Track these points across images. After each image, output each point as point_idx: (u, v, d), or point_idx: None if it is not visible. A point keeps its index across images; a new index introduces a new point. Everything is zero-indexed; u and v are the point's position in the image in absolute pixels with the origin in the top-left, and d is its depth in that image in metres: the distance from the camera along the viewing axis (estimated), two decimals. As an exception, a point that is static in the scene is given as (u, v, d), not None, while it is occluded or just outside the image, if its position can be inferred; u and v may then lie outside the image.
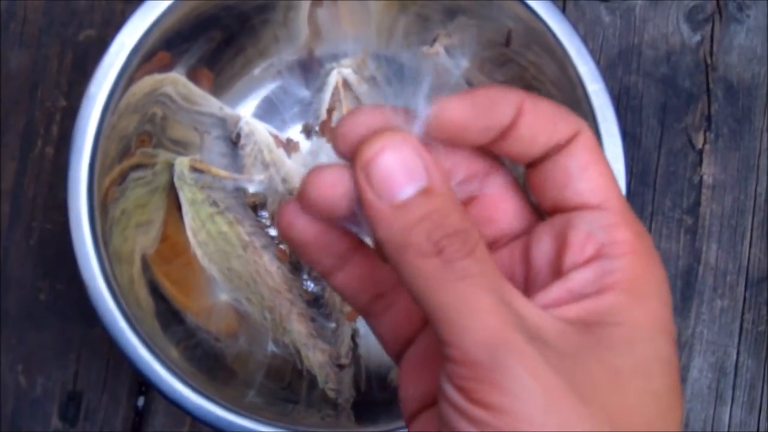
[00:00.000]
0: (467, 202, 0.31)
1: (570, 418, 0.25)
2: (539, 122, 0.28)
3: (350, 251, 0.30)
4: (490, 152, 0.30)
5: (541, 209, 0.30)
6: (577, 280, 0.28)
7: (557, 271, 0.29)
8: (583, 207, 0.29)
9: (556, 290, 0.28)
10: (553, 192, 0.29)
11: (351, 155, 0.28)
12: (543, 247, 0.29)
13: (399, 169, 0.26)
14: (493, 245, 0.31)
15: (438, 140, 0.28)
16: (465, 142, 0.29)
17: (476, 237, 0.26)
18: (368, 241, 0.30)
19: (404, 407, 0.31)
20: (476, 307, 0.26)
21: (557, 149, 0.29)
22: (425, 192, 0.26)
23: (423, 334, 0.31)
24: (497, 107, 0.28)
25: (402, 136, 0.27)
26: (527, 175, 0.30)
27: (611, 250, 0.28)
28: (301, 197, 0.29)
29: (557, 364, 0.26)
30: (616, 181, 0.29)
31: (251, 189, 0.57)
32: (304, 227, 0.29)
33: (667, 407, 0.27)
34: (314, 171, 0.28)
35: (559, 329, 0.27)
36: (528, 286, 0.30)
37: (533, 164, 0.29)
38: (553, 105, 0.29)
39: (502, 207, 0.31)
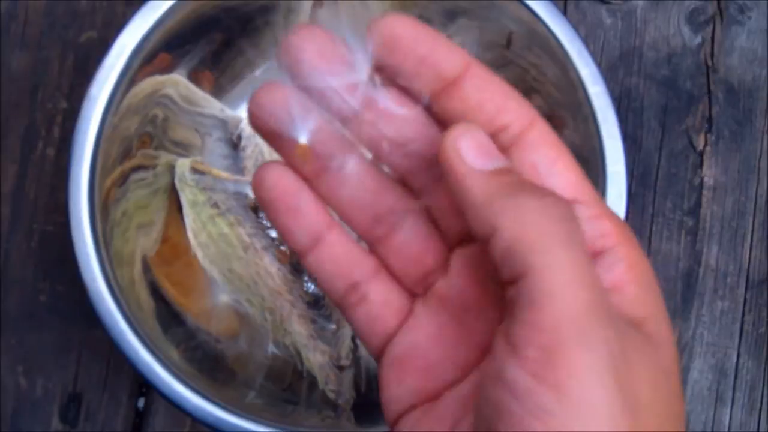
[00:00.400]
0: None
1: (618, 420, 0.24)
2: (488, 89, 0.28)
3: (324, 228, 0.30)
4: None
5: None
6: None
7: None
8: None
9: None
10: None
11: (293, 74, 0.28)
12: None
13: (486, 145, 0.27)
14: (463, 241, 0.30)
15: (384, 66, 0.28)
16: (407, 78, 0.28)
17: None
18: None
19: (388, 408, 0.30)
20: (586, 278, 0.25)
21: (513, 140, 0.28)
22: (507, 170, 0.26)
23: (405, 332, 0.30)
24: (442, 47, 0.28)
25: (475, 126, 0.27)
26: None
27: (603, 244, 0.27)
28: (250, 105, 0.29)
29: (625, 354, 0.25)
30: (583, 173, 0.29)
31: (251, 193, 0.57)
32: (274, 183, 0.29)
33: (680, 408, 0.27)
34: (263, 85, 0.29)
35: (622, 320, 0.26)
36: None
37: None
38: (506, 83, 0.28)
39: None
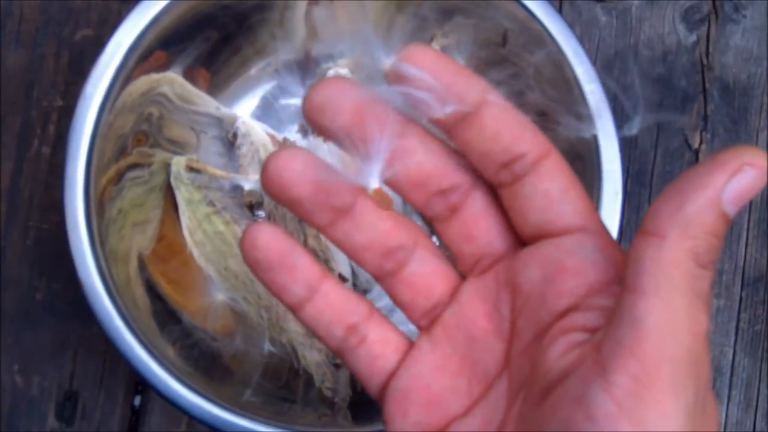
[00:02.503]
0: (448, 215, 0.30)
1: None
2: (506, 119, 0.28)
3: (317, 281, 0.30)
4: (472, 167, 0.30)
5: (520, 235, 0.30)
6: (604, 310, 0.28)
7: (556, 296, 0.28)
8: (567, 231, 0.28)
9: (585, 319, 0.28)
10: (535, 215, 0.29)
11: (318, 125, 0.28)
12: (530, 273, 0.29)
13: (751, 191, 0.26)
14: (476, 266, 0.30)
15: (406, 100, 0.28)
16: (425, 106, 0.28)
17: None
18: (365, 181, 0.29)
19: None
20: (696, 328, 0.25)
21: (528, 168, 0.28)
22: (730, 219, 0.26)
23: (407, 366, 0.30)
24: (463, 77, 0.28)
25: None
26: (504, 200, 0.30)
27: (616, 273, 0.28)
28: (263, 174, 0.29)
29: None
30: (591, 201, 0.29)
31: (247, 186, 0.57)
32: (266, 244, 0.29)
33: None
34: (274, 153, 0.29)
35: None
36: (516, 315, 0.29)
37: (507, 184, 0.29)
38: (522, 115, 0.29)
39: (483, 225, 0.30)
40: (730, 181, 0.25)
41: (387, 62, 0.28)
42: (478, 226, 0.30)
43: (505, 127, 0.28)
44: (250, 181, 0.57)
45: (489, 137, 0.28)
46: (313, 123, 0.29)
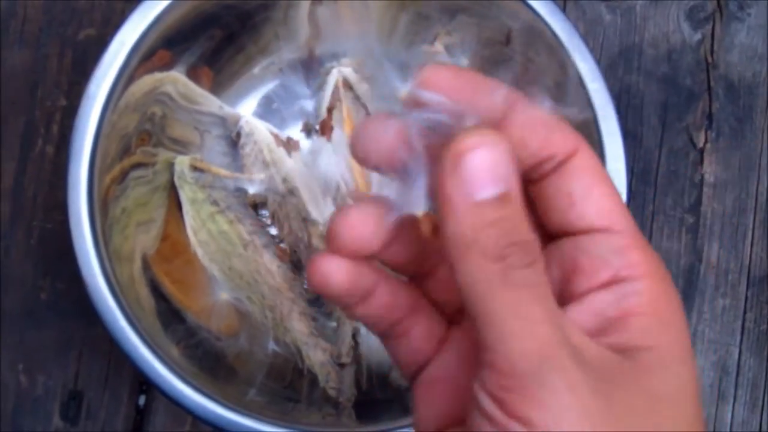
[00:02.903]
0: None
1: None
2: (532, 125, 0.28)
3: (374, 286, 0.30)
4: None
5: (545, 232, 0.30)
6: (597, 303, 0.28)
7: (568, 295, 0.29)
8: (590, 230, 0.28)
9: (578, 313, 0.28)
10: (558, 215, 0.29)
11: (367, 163, 0.28)
12: (551, 270, 0.29)
13: (487, 169, 0.26)
14: None
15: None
16: (446, 127, 0.28)
17: (538, 250, 0.26)
18: (416, 208, 0.29)
19: (417, 428, 0.31)
20: (529, 317, 0.25)
21: (555, 167, 0.28)
22: (503, 197, 0.26)
23: (439, 356, 0.31)
24: (486, 91, 0.28)
25: (501, 136, 0.26)
26: (530, 195, 0.30)
27: (627, 274, 0.28)
28: (332, 242, 0.29)
29: (597, 385, 0.26)
30: (622, 201, 0.29)
31: (251, 190, 0.57)
32: (338, 282, 0.29)
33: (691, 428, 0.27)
34: (339, 213, 0.29)
35: (597, 351, 0.27)
36: None
37: (534, 181, 0.29)
38: (551, 115, 0.28)
39: None
40: (456, 176, 0.26)
41: (403, 89, 0.28)
42: None
43: (532, 134, 0.28)
44: (254, 184, 0.57)
45: (516, 144, 0.28)
46: (363, 164, 0.29)
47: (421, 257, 0.31)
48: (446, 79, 0.28)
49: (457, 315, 0.32)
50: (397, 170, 0.28)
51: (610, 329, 0.28)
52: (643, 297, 0.28)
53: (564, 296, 0.29)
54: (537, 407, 0.25)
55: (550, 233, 0.29)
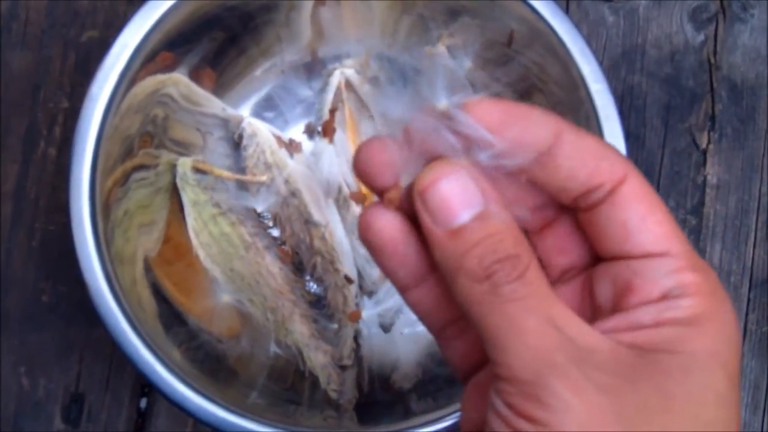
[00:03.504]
0: (543, 228, 0.31)
1: None
2: (580, 155, 0.28)
3: (427, 270, 0.31)
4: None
5: (598, 254, 0.30)
6: (639, 313, 0.28)
7: (620, 309, 0.29)
8: (646, 256, 0.29)
9: (616, 320, 0.28)
10: (613, 244, 0.29)
11: (372, 186, 0.29)
12: (604, 288, 0.30)
13: (455, 196, 0.27)
14: (564, 275, 0.31)
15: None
16: (502, 159, 0.29)
17: (527, 260, 0.27)
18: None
19: (464, 429, 0.32)
20: (521, 329, 0.26)
21: (605, 195, 0.29)
22: (480, 217, 0.27)
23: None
24: (532, 125, 0.28)
25: (458, 164, 0.28)
26: (581, 221, 0.30)
27: (678, 292, 0.28)
28: (357, 161, 0.30)
29: (605, 383, 0.26)
30: (675, 224, 0.29)
31: (260, 209, 0.57)
32: (380, 230, 0.30)
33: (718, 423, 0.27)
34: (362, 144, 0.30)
35: (613, 350, 0.27)
36: (592, 321, 0.30)
37: (584, 209, 0.29)
38: (598, 142, 0.29)
39: (575, 238, 0.31)
40: (428, 210, 0.28)
41: (443, 102, 0.28)
42: (571, 239, 0.31)
43: (580, 164, 0.28)
44: (260, 200, 0.57)
45: (564, 176, 0.29)
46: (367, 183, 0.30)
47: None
48: (494, 115, 0.28)
49: None
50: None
51: (640, 329, 0.28)
52: (685, 311, 0.28)
53: (615, 311, 0.29)
54: (541, 408, 0.26)
55: (603, 255, 0.30)
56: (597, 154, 0.28)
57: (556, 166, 0.28)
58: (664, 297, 0.28)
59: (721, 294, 0.29)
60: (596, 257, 0.30)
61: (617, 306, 0.29)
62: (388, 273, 0.31)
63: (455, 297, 0.28)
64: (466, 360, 0.32)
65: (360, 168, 0.30)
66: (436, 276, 0.31)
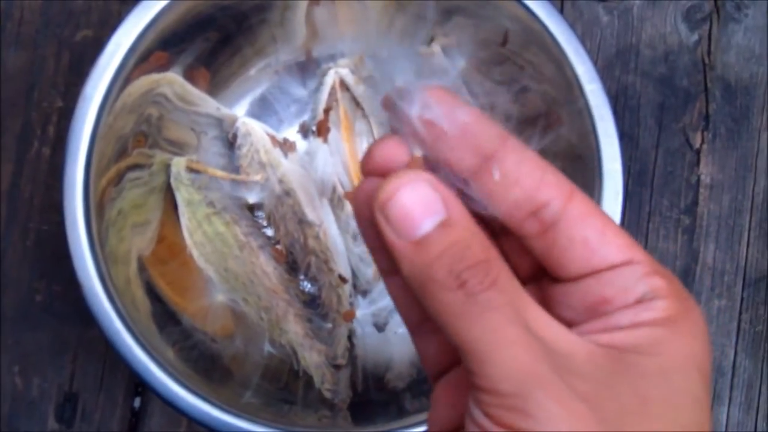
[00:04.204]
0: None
1: None
2: (524, 165, 0.28)
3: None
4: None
5: (557, 276, 0.30)
6: (616, 316, 0.28)
7: (596, 317, 0.29)
8: (611, 268, 0.29)
9: (592, 323, 0.28)
10: (579, 263, 0.29)
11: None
12: (572, 303, 0.29)
13: (416, 205, 0.27)
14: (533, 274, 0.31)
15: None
16: (446, 155, 0.29)
17: (499, 265, 0.27)
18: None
19: (433, 428, 0.31)
20: (502, 340, 0.26)
21: (556, 213, 0.28)
22: (444, 225, 0.27)
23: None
24: (480, 125, 0.28)
25: (415, 173, 0.27)
26: (536, 251, 0.29)
27: (652, 296, 0.28)
28: (365, 164, 0.29)
29: (585, 389, 0.26)
30: (629, 235, 0.29)
31: (251, 200, 0.57)
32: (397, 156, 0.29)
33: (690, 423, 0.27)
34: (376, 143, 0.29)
35: (589, 352, 0.27)
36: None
37: (536, 234, 0.29)
38: (540, 158, 0.29)
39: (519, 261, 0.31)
40: (390, 223, 0.27)
41: (399, 82, 0.28)
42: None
43: (527, 173, 0.28)
44: (252, 193, 0.57)
45: (510, 184, 0.28)
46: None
47: None
48: (445, 104, 0.28)
49: None
50: None
51: (616, 331, 0.28)
52: (659, 312, 0.28)
53: (592, 319, 0.29)
54: (525, 420, 0.25)
55: (565, 277, 0.29)
56: (541, 167, 0.28)
57: (502, 173, 0.28)
58: (639, 301, 0.28)
59: (689, 297, 0.29)
60: (549, 280, 0.30)
61: (592, 317, 0.29)
62: (372, 252, 0.31)
63: (428, 311, 0.27)
64: (439, 359, 0.31)
65: (370, 168, 0.29)
66: None
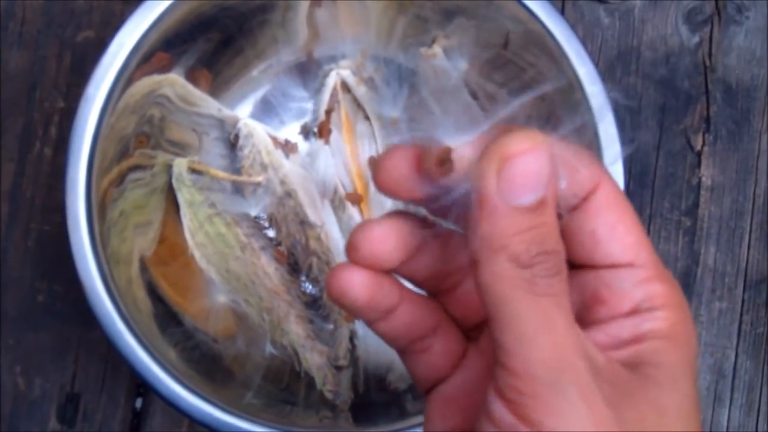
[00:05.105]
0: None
1: None
2: (561, 158, 0.28)
3: (397, 303, 0.30)
4: None
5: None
6: (616, 327, 0.28)
7: (589, 321, 0.29)
8: (614, 266, 0.29)
9: (596, 333, 0.28)
10: (582, 252, 0.29)
11: (391, 193, 0.28)
12: (571, 296, 0.29)
13: (532, 174, 0.26)
14: None
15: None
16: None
17: (564, 260, 0.27)
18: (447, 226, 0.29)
19: None
20: (551, 325, 0.26)
21: (579, 201, 0.28)
22: (541, 204, 0.26)
23: (456, 373, 0.31)
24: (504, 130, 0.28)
25: (543, 139, 0.26)
26: None
27: (649, 305, 0.28)
28: (352, 254, 0.29)
29: (610, 395, 0.26)
30: (644, 232, 0.29)
31: (253, 213, 0.57)
32: (357, 294, 0.30)
33: None
34: (362, 226, 0.29)
35: (609, 364, 0.27)
36: None
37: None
38: (573, 146, 0.28)
39: None
40: (500, 179, 0.26)
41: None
42: None
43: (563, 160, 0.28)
44: (255, 208, 0.57)
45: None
46: (390, 196, 0.30)
47: (443, 273, 0.31)
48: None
49: (474, 331, 0.32)
50: (422, 199, 0.28)
51: (623, 347, 0.28)
52: (660, 323, 0.28)
53: (583, 322, 0.29)
54: (549, 413, 0.25)
55: (570, 263, 0.29)
56: (571, 162, 0.28)
57: None
58: (635, 310, 0.28)
59: (685, 305, 0.29)
60: None
61: (586, 317, 0.29)
62: (359, 317, 0.31)
63: (481, 275, 0.26)
64: (430, 373, 0.31)
65: (383, 181, 0.29)
66: (406, 304, 0.31)
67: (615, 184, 0.29)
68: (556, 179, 0.26)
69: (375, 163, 0.29)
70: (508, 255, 0.26)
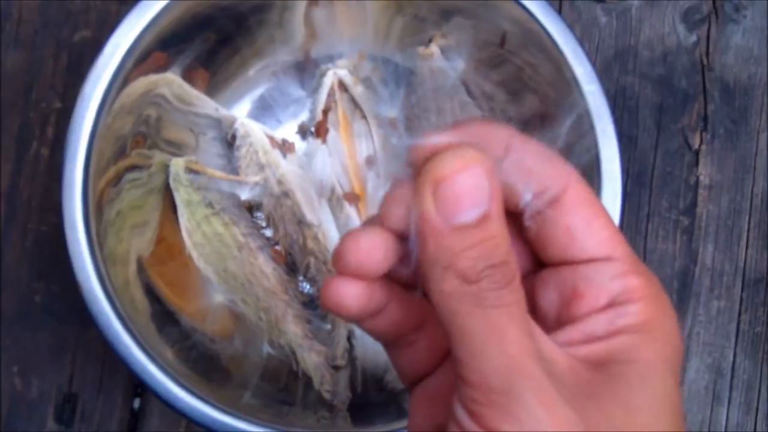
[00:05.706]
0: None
1: None
2: (528, 161, 0.28)
3: (385, 303, 0.30)
4: None
5: (541, 260, 0.30)
6: (591, 323, 0.28)
7: (567, 318, 0.29)
8: (590, 260, 0.29)
9: (570, 331, 0.28)
10: (558, 249, 0.29)
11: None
12: (548, 294, 0.30)
13: (469, 192, 0.26)
14: None
15: None
16: None
17: (515, 268, 0.27)
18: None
19: None
20: (501, 336, 0.26)
21: (550, 201, 0.29)
22: (485, 218, 0.26)
23: (440, 369, 0.31)
24: (489, 136, 0.28)
25: (482, 155, 0.26)
26: (523, 228, 0.30)
27: (625, 298, 0.28)
28: (338, 265, 0.29)
29: (571, 397, 0.26)
30: (617, 227, 0.29)
31: (243, 196, 0.57)
32: (351, 304, 0.30)
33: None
34: (348, 238, 0.29)
35: (572, 365, 0.27)
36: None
37: (527, 215, 0.29)
38: (543, 148, 0.29)
39: (516, 244, 0.30)
40: (437, 199, 0.26)
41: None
42: (514, 246, 0.30)
43: (525, 170, 0.28)
44: (246, 189, 0.57)
45: (512, 181, 0.28)
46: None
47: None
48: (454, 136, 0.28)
49: None
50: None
51: (596, 342, 0.28)
52: (634, 317, 0.28)
53: (562, 319, 0.29)
54: (507, 420, 0.25)
55: (547, 262, 0.30)
56: (542, 160, 0.28)
57: (504, 172, 0.28)
58: (612, 304, 0.28)
59: (664, 297, 0.29)
60: (538, 264, 0.30)
61: (564, 314, 0.29)
62: (348, 320, 0.31)
63: (434, 294, 0.27)
64: (414, 367, 0.32)
65: (344, 264, 0.29)
66: (394, 303, 0.31)
67: (585, 184, 0.29)
68: (498, 191, 0.27)
69: (338, 256, 0.29)
70: (455, 272, 0.26)
